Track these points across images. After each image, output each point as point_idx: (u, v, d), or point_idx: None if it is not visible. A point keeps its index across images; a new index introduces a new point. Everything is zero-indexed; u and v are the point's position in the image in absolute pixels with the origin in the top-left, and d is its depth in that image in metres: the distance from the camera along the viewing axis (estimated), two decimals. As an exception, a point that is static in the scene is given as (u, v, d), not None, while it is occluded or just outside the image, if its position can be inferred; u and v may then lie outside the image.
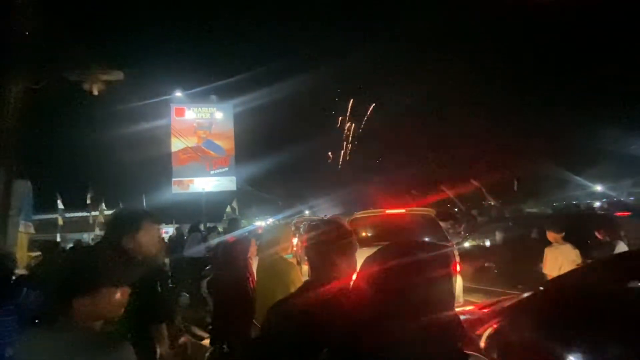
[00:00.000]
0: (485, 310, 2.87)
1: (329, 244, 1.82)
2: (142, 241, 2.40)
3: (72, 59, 7.18)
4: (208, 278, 5.07)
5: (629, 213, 8.94)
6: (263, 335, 1.86)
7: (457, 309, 1.16)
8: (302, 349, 1.44)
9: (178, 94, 22.74)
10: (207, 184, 22.19)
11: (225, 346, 3.49)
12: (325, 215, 17.66)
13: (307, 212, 31.88)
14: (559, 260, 4.70)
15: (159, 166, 23.94)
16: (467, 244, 8.84)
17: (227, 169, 22.99)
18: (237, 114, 24.11)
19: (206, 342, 4.74)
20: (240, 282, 3.62)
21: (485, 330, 2.46)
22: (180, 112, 22.73)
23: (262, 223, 20.16)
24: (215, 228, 12.44)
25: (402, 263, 1.06)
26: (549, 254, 4.87)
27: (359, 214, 7.62)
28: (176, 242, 11.06)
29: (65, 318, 1.46)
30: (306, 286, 1.86)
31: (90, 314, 1.49)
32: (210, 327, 4.32)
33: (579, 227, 5.66)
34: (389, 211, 8.14)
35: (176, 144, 22.23)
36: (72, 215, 22.06)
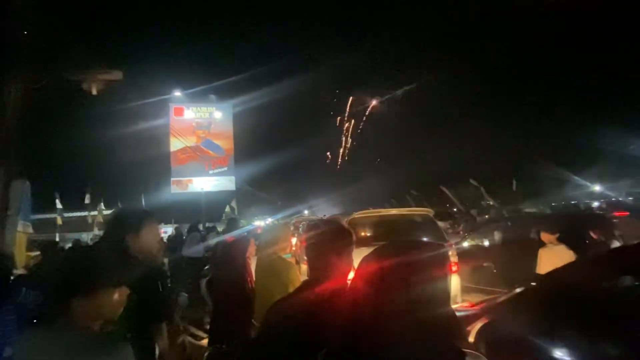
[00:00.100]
0: (476, 307, 2.89)
1: (327, 243, 1.83)
2: (144, 240, 2.40)
3: (72, 58, 7.17)
4: (207, 278, 5.08)
5: (628, 213, 8.97)
6: (262, 335, 1.86)
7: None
8: (301, 348, 1.44)
9: (177, 93, 22.76)
10: (206, 183, 22.20)
11: (224, 346, 3.49)
12: (324, 215, 17.68)
13: (306, 212, 31.87)
14: (553, 261, 4.69)
15: (158, 166, 23.95)
16: (465, 244, 8.84)
17: (226, 168, 23.01)
18: (237, 113, 24.16)
19: (205, 341, 4.74)
20: (239, 282, 3.62)
21: (475, 326, 2.48)
22: (179, 112, 22.74)
23: (261, 223, 20.13)
24: (214, 228, 12.43)
25: (398, 262, 1.07)
26: (543, 255, 4.86)
27: (357, 214, 7.64)
28: (175, 242, 11.06)
29: (65, 318, 1.46)
30: (305, 286, 1.87)
31: (90, 313, 1.49)
32: (209, 326, 4.33)
33: (574, 227, 5.66)
34: (387, 211, 8.17)
35: (175, 144, 22.24)
36: (71, 214, 22.06)
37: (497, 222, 10.72)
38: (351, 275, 1.30)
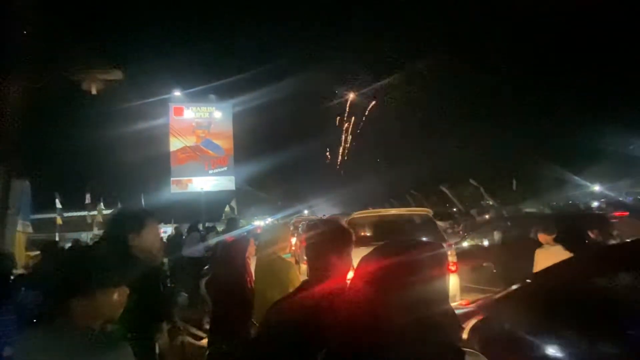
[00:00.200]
0: (471, 305, 2.90)
1: (327, 243, 1.83)
2: (145, 240, 2.40)
3: (72, 58, 7.18)
4: (207, 278, 5.08)
5: (627, 213, 8.98)
6: (262, 335, 1.86)
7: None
8: (301, 348, 1.44)
9: (177, 93, 22.76)
10: (206, 183, 22.20)
11: (224, 346, 3.49)
12: (324, 215, 17.69)
13: (305, 211, 31.90)
14: (550, 262, 4.68)
15: (158, 166, 23.95)
16: (465, 244, 8.86)
17: (225, 168, 23.02)
18: (236, 113, 24.18)
19: (205, 341, 4.74)
20: (238, 282, 3.62)
21: (469, 323, 2.49)
22: (179, 112, 22.75)
23: (260, 223, 20.14)
24: (214, 228, 12.43)
25: (396, 261, 1.07)
26: (540, 256, 4.86)
27: (357, 214, 7.65)
28: (175, 242, 11.05)
29: (65, 318, 1.46)
30: (305, 286, 1.87)
31: (90, 313, 1.49)
32: (208, 326, 4.33)
33: (573, 227, 5.67)
34: (386, 211, 8.19)
35: (175, 144, 22.25)
36: (70, 214, 22.04)
37: (497, 222, 10.74)
38: (351, 275, 1.31)
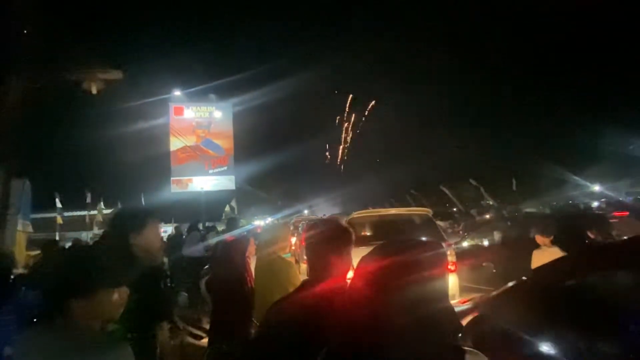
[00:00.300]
0: (467, 303, 2.91)
1: (327, 243, 1.83)
2: (146, 239, 2.40)
3: (72, 58, 7.18)
4: (207, 277, 5.08)
5: (627, 213, 8.97)
6: (262, 335, 1.86)
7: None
8: (301, 348, 1.44)
9: (177, 92, 22.74)
10: (206, 183, 22.18)
11: (224, 345, 3.49)
12: (324, 215, 17.69)
13: (305, 211, 31.91)
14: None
15: (158, 165, 23.95)
16: (465, 244, 8.86)
17: (226, 168, 23.00)
18: (237, 113, 24.16)
19: (205, 341, 4.74)
20: (238, 282, 3.62)
21: (464, 320, 2.50)
22: (179, 111, 22.72)
23: (260, 222, 20.14)
24: (214, 227, 12.42)
25: (396, 260, 1.07)
26: (536, 258, 4.86)
27: (356, 214, 7.66)
28: (175, 241, 11.04)
29: (65, 318, 1.46)
30: (305, 285, 1.87)
31: (89, 313, 1.49)
32: (208, 326, 4.33)
33: (572, 227, 5.68)
34: (386, 211, 8.20)
35: (175, 143, 22.23)
36: (71, 214, 22.05)
37: (497, 222, 10.73)
38: (351, 274, 1.31)
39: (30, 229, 8.13)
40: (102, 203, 21.04)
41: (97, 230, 18.38)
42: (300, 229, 12.78)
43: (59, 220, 18.33)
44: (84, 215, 21.15)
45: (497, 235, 8.53)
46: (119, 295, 1.56)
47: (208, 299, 4.02)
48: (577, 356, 1.96)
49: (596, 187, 24.54)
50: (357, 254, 1.36)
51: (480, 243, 8.84)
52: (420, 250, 1.10)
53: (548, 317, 2.08)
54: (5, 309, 2.70)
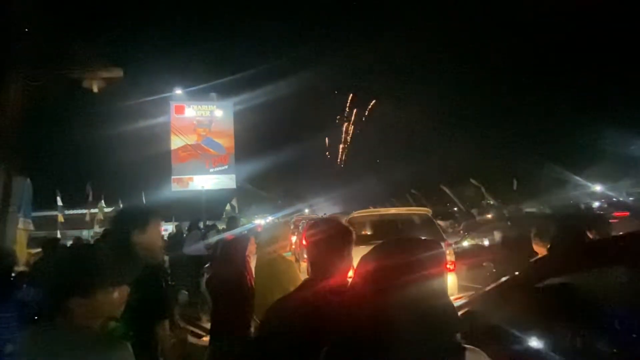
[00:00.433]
0: (461, 299, 2.91)
1: (327, 242, 1.83)
2: (148, 237, 2.41)
3: (72, 56, 7.18)
4: (207, 276, 5.08)
5: (628, 213, 8.98)
6: (262, 334, 1.87)
7: None
8: (301, 347, 1.45)
9: (178, 91, 22.72)
10: (207, 181, 22.16)
11: (224, 344, 3.50)
12: (324, 214, 17.69)
13: (306, 210, 31.92)
14: None
15: (159, 164, 23.94)
16: (465, 243, 8.87)
17: (226, 166, 22.97)
18: (237, 112, 24.11)
19: (205, 339, 4.75)
20: (239, 280, 3.63)
21: None
22: (180, 110, 22.70)
23: (261, 221, 20.13)
24: (214, 226, 12.41)
25: (395, 259, 1.08)
26: None
27: (356, 213, 7.67)
28: (175, 240, 11.04)
29: (65, 316, 1.46)
30: (305, 284, 1.87)
31: (90, 311, 1.49)
32: (209, 325, 4.34)
33: (572, 227, 5.68)
34: (386, 210, 8.21)
35: (176, 142, 22.21)
36: (71, 212, 22.06)
37: (497, 221, 10.73)
38: (351, 273, 1.31)
39: (31, 227, 8.14)
40: (103, 201, 21.04)
41: (98, 229, 18.38)
42: (300, 228, 12.78)
43: (60, 218, 18.33)
44: (85, 214, 21.14)
45: (497, 235, 8.53)
46: (119, 294, 1.56)
47: (208, 298, 4.03)
48: (566, 351, 1.97)
49: (597, 187, 24.52)
50: (358, 253, 1.37)
51: (480, 243, 8.84)
52: (418, 249, 1.11)
53: (538, 313, 2.09)
54: (6, 307, 2.71)
